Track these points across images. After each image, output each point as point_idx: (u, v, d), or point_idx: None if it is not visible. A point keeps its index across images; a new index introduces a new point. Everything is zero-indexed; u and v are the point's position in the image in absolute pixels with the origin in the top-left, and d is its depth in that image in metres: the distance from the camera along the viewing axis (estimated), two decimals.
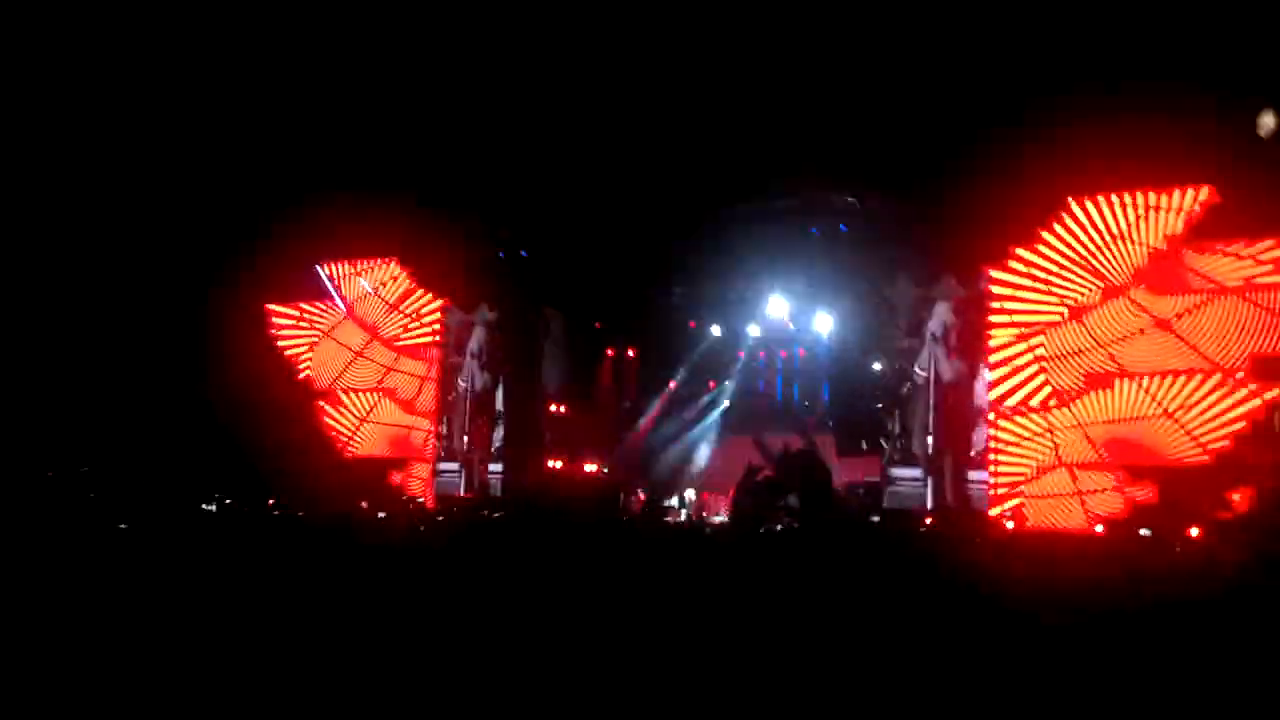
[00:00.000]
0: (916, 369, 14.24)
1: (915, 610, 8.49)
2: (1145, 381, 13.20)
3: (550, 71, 13.82)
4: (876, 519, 12.78)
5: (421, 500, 15.46)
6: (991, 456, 13.84)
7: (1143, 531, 10.82)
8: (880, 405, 14.47)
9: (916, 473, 14.12)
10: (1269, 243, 12.72)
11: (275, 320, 17.77)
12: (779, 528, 10.48)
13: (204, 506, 11.43)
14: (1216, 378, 12.79)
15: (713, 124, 13.90)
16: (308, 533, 10.84)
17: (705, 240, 15.12)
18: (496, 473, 16.17)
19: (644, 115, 14.06)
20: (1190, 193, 13.08)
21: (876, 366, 14.73)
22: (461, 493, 15.91)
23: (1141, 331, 13.37)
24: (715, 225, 14.99)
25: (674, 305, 16.66)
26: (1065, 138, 12.51)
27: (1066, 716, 6.81)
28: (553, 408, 16.86)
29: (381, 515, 12.38)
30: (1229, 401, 12.68)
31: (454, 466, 16.41)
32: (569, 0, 13.35)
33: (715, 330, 16.79)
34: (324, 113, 14.76)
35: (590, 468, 16.28)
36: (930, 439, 14.13)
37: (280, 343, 17.70)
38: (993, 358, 14.01)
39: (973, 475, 13.90)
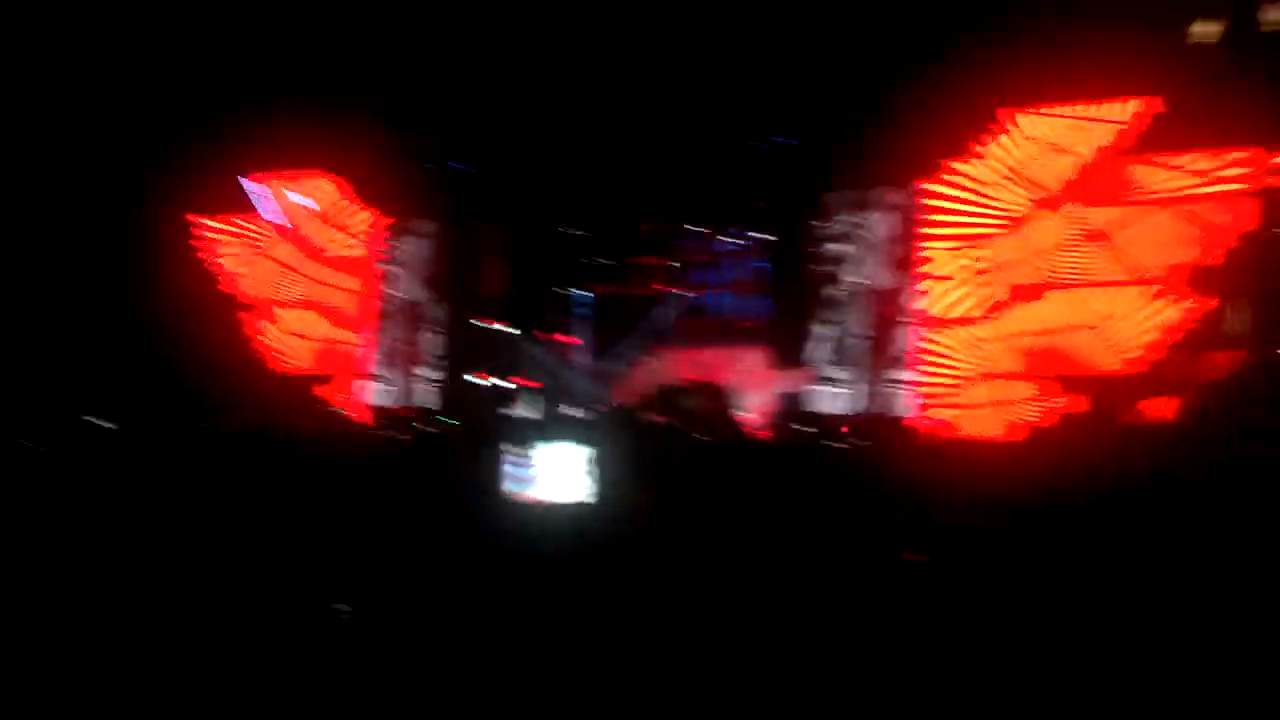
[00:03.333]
0: (849, 276, 14.27)
1: (835, 523, 8.55)
2: (1073, 293, 13.29)
3: None
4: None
5: (347, 414, 15.33)
6: (921, 367, 13.93)
7: (1063, 440, 10.89)
8: (815, 313, 14.43)
9: (845, 375, 14.26)
10: (1202, 154, 12.70)
11: (202, 234, 17.40)
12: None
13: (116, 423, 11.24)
14: (1145, 289, 12.87)
15: (649, 35, 13.77)
16: (232, 446, 10.73)
17: (643, 151, 14.94)
18: (431, 384, 16.13)
19: (576, 28, 13.91)
20: (1123, 105, 13.03)
21: (813, 275, 14.66)
22: (393, 405, 15.84)
23: (1073, 243, 13.41)
24: (652, 137, 14.84)
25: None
26: (999, 49, 12.47)
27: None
28: (494, 325, 16.64)
29: (302, 429, 12.24)
30: (1153, 312, 12.78)
31: (385, 379, 16.31)
32: None
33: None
34: (252, 22, 14.45)
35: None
36: (859, 343, 14.24)
37: (208, 256, 17.35)
38: (925, 269, 14.02)
39: (900, 376, 14.04)
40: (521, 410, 15.13)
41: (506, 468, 8.84)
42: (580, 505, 8.77)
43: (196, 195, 16.82)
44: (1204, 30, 11.82)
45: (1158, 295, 12.76)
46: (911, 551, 8.18)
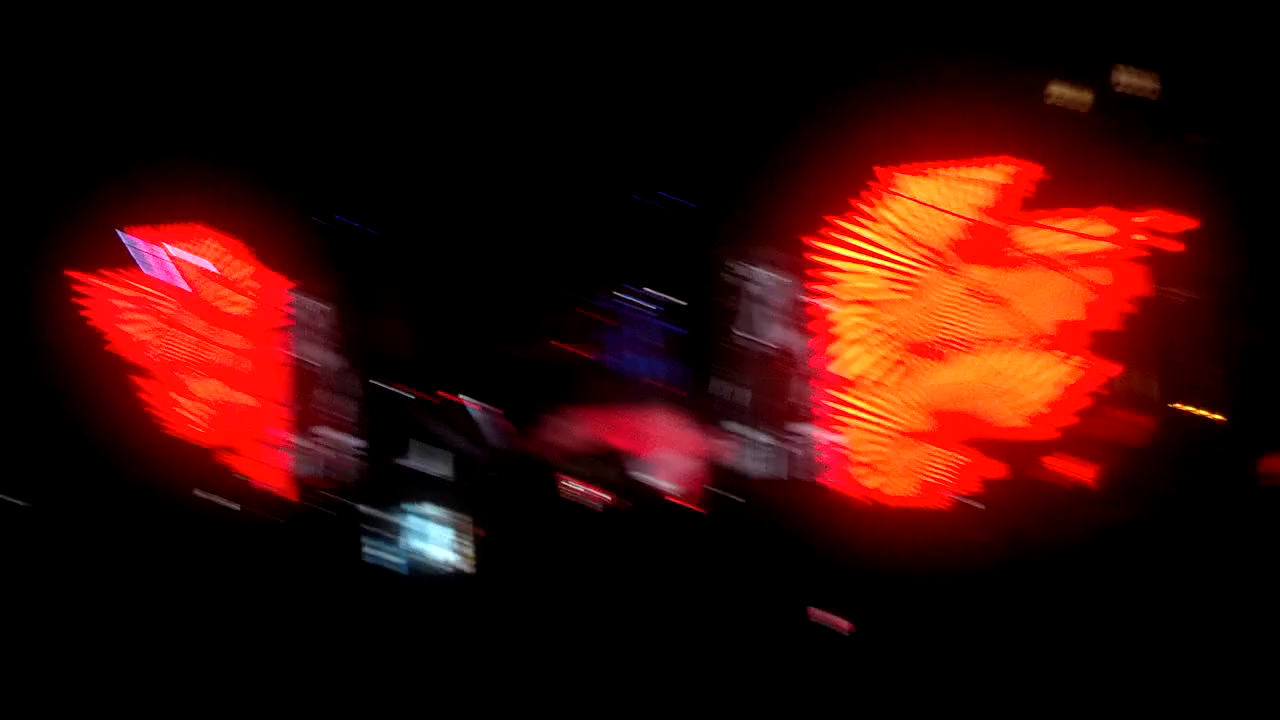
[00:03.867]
0: (751, 336, 14.47)
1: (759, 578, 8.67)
2: (974, 353, 13.58)
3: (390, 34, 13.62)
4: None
5: (254, 481, 15.00)
6: (827, 428, 14.03)
7: (971, 502, 11.17)
8: (721, 374, 14.55)
9: (750, 437, 14.35)
10: (1081, 215, 13.11)
11: (85, 292, 16.88)
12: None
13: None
14: (1043, 349, 13.21)
15: (549, 94, 13.90)
16: (144, 523, 10.54)
17: (545, 211, 14.97)
18: (333, 449, 15.75)
19: (475, 85, 13.98)
20: (1003, 166, 13.31)
21: (717, 336, 14.77)
22: (294, 471, 15.53)
23: (962, 302, 13.70)
24: (555, 196, 14.90)
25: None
26: (880, 110, 12.81)
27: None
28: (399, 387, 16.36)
29: (216, 502, 12.01)
30: (1048, 370, 13.14)
31: (285, 444, 15.90)
32: None
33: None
34: (141, 76, 14.21)
35: None
36: (763, 405, 14.36)
37: (96, 317, 16.83)
38: (826, 329, 14.19)
39: (806, 438, 14.13)
40: (424, 473, 14.92)
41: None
42: (459, 571, 8.82)
43: (86, 253, 16.37)
44: (1061, 89, 12.26)
45: (1057, 355, 13.14)
46: (824, 613, 8.34)
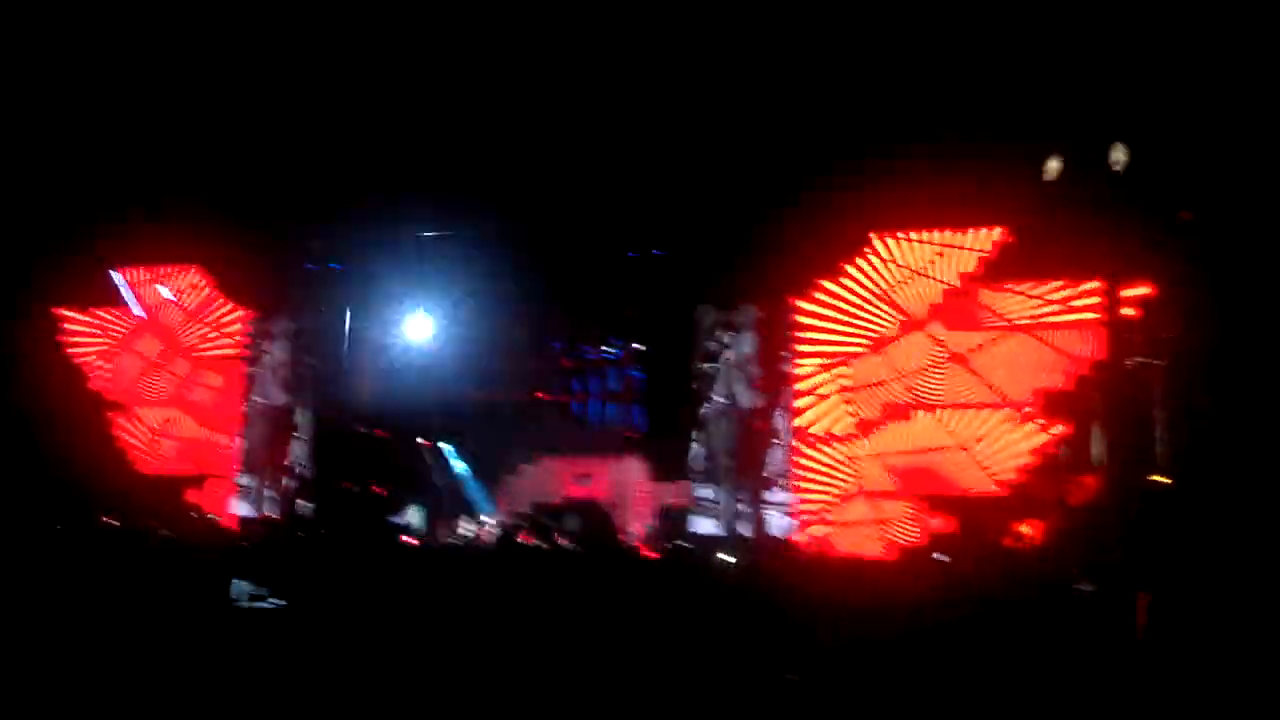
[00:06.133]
0: (715, 395, 14.39)
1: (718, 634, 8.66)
2: (940, 414, 13.70)
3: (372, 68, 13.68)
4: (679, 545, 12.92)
5: (216, 518, 14.94)
6: (796, 484, 14.08)
7: (937, 556, 11.16)
8: (690, 426, 14.51)
9: (714, 494, 14.21)
10: (1057, 283, 13.33)
11: (66, 326, 16.93)
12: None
13: None
14: (1007, 412, 13.36)
15: (530, 138, 13.95)
16: (94, 552, 10.50)
17: (520, 258, 15.00)
18: (300, 490, 15.61)
19: (455, 123, 14.03)
20: (984, 233, 13.63)
21: (687, 388, 14.73)
22: (254, 510, 15.46)
23: (937, 365, 13.84)
24: (528, 247, 14.94)
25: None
26: (868, 176, 12.94)
27: None
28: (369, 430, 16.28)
29: (166, 534, 11.92)
30: (1018, 435, 13.25)
31: (248, 483, 15.79)
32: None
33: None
34: (121, 112, 14.28)
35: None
36: (729, 462, 14.20)
37: (71, 350, 16.87)
38: (797, 386, 14.26)
39: (772, 496, 14.06)
40: (402, 519, 14.83)
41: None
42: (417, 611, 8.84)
43: (62, 288, 16.51)
44: (1061, 166, 12.37)
45: (1021, 419, 13.26)
46: (787, 669, 8.32)
